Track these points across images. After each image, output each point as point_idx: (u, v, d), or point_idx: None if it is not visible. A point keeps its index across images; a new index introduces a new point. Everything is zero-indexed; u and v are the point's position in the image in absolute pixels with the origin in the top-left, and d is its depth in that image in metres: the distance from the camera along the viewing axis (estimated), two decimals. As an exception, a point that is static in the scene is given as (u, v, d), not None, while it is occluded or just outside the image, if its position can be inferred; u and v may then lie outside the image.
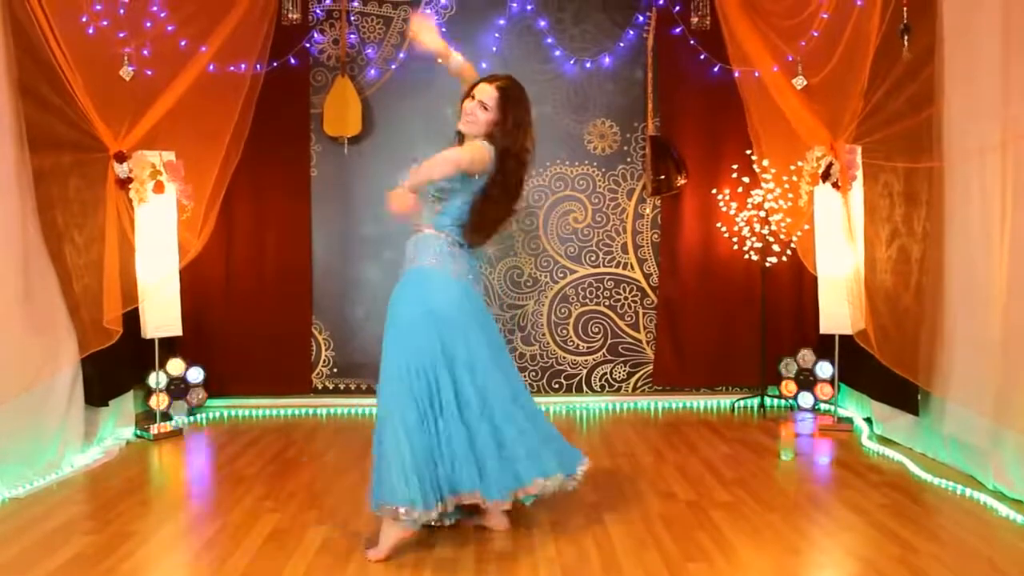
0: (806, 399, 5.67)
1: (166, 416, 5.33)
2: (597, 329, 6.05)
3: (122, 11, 4.76)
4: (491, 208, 3.42)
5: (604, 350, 6.05)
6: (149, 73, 4.95)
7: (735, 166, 5.69)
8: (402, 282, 3.41)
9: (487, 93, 3.35)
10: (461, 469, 3.19)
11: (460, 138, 3.46)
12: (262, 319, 5.82)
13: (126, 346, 4.94)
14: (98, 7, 4.59)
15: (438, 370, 3.23)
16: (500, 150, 3.34)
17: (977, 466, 4.01)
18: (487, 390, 3.29)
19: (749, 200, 5.53)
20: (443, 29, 5.86)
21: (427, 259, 3.34)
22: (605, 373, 6.05)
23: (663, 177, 5.79)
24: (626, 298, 6.04)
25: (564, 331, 6.04)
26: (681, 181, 5.79)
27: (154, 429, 5.06)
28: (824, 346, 5.45)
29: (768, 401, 5.74)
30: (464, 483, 3.19)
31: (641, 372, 6.05)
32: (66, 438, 4.43)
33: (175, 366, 5.52)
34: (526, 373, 5.96)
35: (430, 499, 3.10)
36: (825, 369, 5.56)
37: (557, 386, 6.03)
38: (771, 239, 5.46)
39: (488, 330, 3.44)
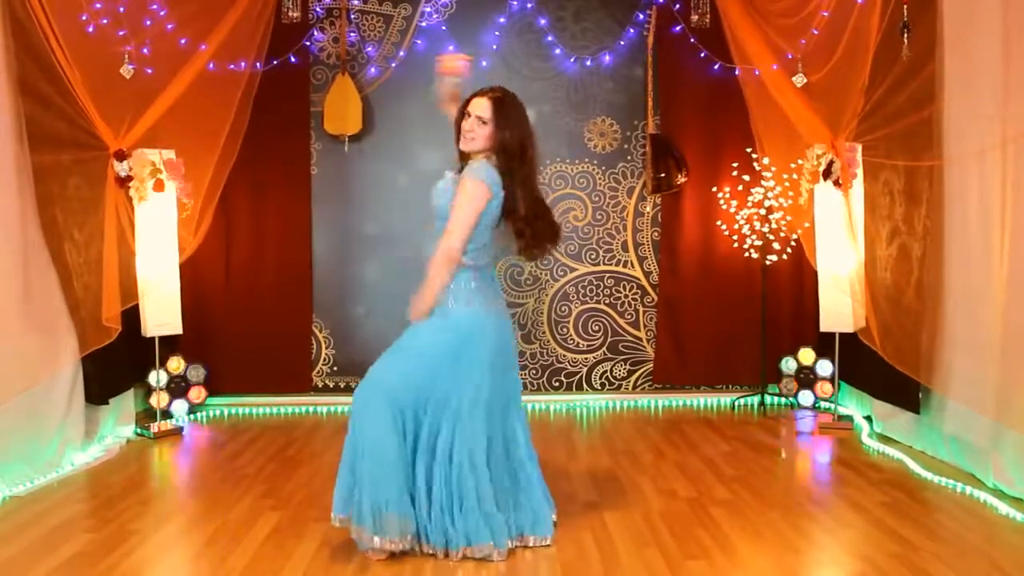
0: (806, 397, 5.67)
1: (166, 414, 5.33)
2: (597, 327, 6.05)
3: (122, 9, 4.76)
4: (523, 218, 3.37)
5: (604, 348, 6.05)
6: (149, 71, 4.95)
7: (735, 164, 5.68)
8: (439, 323, 3.28)
9: (481, 106, 3.33)
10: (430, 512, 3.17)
11: (461, 155, 3.46)
12: (262, 317, 5.82)
13: (126, 344, 4.95)
14: (98, 5, 4.59)
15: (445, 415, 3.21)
16: (505, 159, 3.30)
17: (977, 464, 4.01)
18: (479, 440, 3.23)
19: (749, 198, 5.52)
20: (443, 28, 5.89)
21: (459, 304, 3.27)
22: (605, 371, 6.05)
23: (663, 175, 5.79)
24: (626, 296, 6.04)
25: (564, 329, 6.04)
26: (681, 179, 5.79)
27: (154, 427, 5.06)
28: (824, 344, 5.45)
29: (768, 399, 5.74)
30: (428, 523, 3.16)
31: (641, 370, 6.06)
32: (67, 436, 4.43)
33: (175, 364, 5.52)
34: (527, 371, 5.96)
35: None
36: (825, 367, 5.56)
37: (557, 384, 6.03)
38: (771, 237, 5.46)
39: (507, 377, 3.38)
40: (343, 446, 3.22)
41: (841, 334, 5.10)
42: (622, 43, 5.95)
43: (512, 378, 3.44)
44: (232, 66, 5.38)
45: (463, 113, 3.38)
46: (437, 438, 3.19)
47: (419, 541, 3.16)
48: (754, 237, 5.52)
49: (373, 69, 5.89)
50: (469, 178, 3.27)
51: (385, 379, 3.20)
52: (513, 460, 3.37)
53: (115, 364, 4.89)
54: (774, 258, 5.48)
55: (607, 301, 6.04)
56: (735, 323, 5.90)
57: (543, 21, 5.92)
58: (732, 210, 5.65)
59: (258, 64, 5.51)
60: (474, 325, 3.26)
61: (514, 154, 3.31)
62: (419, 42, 5.89)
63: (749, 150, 5.57)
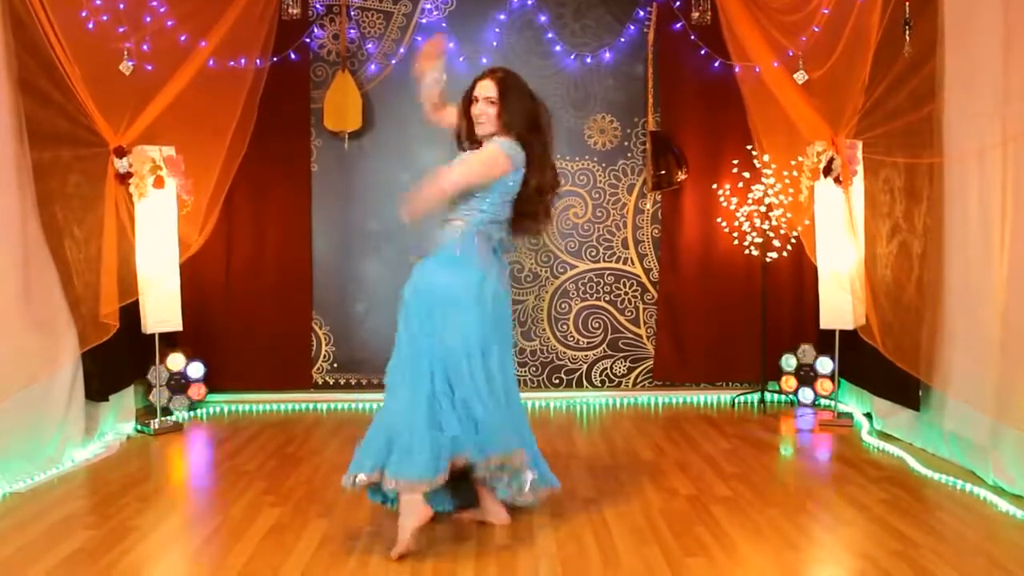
0: (806, 394, 5.66)
1: (166, 411, 5.33)
2: (597, 324, 6.05)
3: (122, 6, 4.75)
4: (533, 196, 3.48)
5: (604, 345, 6.05)
6: (149, 68, 4.95)
7: (735, 161, 5.68)
8: (428, 266, 3.40)
9: (487, 87, 3.38)
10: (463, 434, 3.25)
11: (459, 143, 3.51)
12: (262, 314, 5.82)
13: (126, 341, 4.95)
14: (97, 2, 4.58)
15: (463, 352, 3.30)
16: (519, 135, 3.37)
17: (977, 461, 4.01)
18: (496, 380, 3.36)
19: (749, 195, 5.52)
20: (443, 25, 5.88)
21: (453, 248, 3.35)
22: (605, 368, 6.05)
23: (663, 172, 5.78)
24: (626, 293, 6.04)
25: (564, 326, 6.04)
26: (681, 176, 5.78)
27: (154, 424, 5.06)
28: (824, 341, 5.45)
29: (768, 396, 5.75)
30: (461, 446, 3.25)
31: (641, 367, 6.06)
32: (67, 433, 4.43)
33: (175, 361, 5.52)
34: (526, 368, 5.96)
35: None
36: (825, 364, 5.56)
37: (557, 381, 6.03)
38: (771, 234, 5.46)
39: (502, 327, 3.45)
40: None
41: (841, 331, 5.09)
42: (622, 40, 5.94)
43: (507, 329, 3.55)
44: (232, 63, 5.38)
45: (469, 100, 3.40)
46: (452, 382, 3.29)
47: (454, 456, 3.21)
48: (754, 234, 5.52)
49: (373, 66, 5.89)
50: (492, 144, 3.33)
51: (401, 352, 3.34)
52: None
53: (115, 361, 4.89)
54: (774, 255, 5.48)
55: (607, 298, 6.04)
56: (735, 320, 5.90)
57: (543, 18, 5.91)
58: (732, 207, 5.64)
59: (259, 61, 5.50)
60: (471, 274, 3.34)
61: (527, 128, 3.36)
62: (419, 39, 5.86)
63: (749, 147, 5.57)
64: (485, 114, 3.37)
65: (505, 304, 3.50)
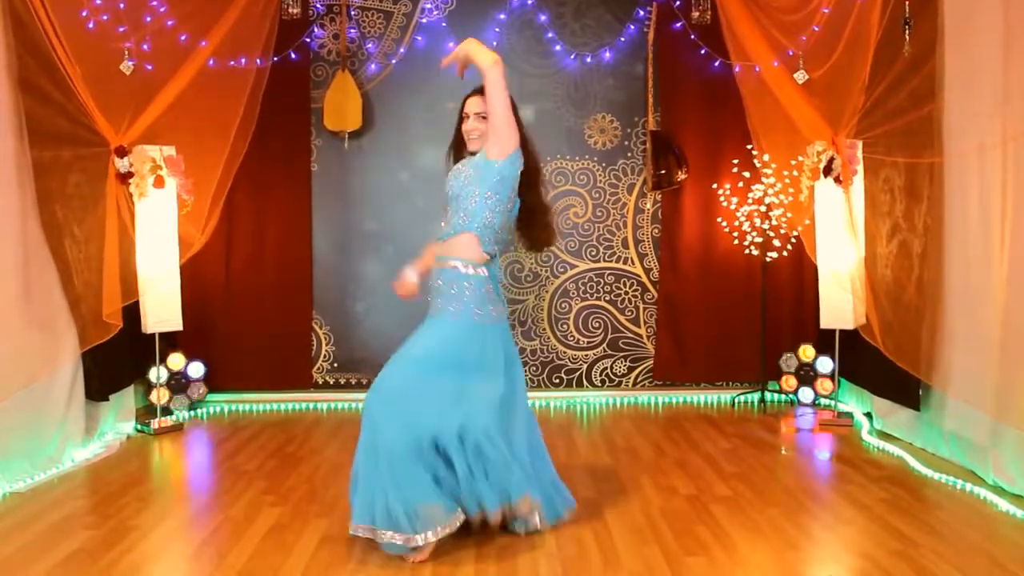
0: (806, 394, 5.67)
1: (167, 411, 5.33)
2: (597, 324, 6.05)
3: (122, 6, 4.76)
4: (535, 201, 3.50)
5: (604, 345, 6.05)
6: (149, 68, 4.95)
7: (736, 161, 5.68)
8: (447, 323, 3.32)
9: (478, 104, 3.39)
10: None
11: (455, 155, 3.56)
12: (262, 314, 5.82)
13: (127, 341, 4.95)
14: (98, 1, 4.58)
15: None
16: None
17: (977, 461, 4.01)
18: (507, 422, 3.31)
19: (750, 195, 5.52)
20: (443, 24, 5.88)
21: (469, 307, 3.30)
22: (605, 368, 6.05)
23: (664, 172, 5.78)
24: (626, 293, 6.04)
25: (564, 326, 6.04)
26: (682, 176, 5.79)
27: (154, 424, 5.07)
28: (824, 341, 5.45)
29: (768, 396, 5.75)
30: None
31: (641, 367, 6.06)
32: (67, 433, 4.43)
33: (176, 361, 5.52)
34: (526, 368, 5.96)
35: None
36: (825, 364, 5.56)
37: (557, 381, 6.03)
38: (771, 234, 5.46)
39: (512, 377, 3.42)
40: (355, 453, 3.20)
41: (841, 331, 5.10)
42: (622, 40, 5.94)
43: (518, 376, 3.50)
44: (233, 63, 5.38)
45: (461, 117, 3.43)
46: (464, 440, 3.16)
47: (465, 514, 3.17)
48: (754, 234, 5.52)
49: (373, 66, 5.89)
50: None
51: (389, 381, 3.21)
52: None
53: (115, 360, 4.89)
54: (774, 255, 5.48)
55: (607, 298, 6.04)
56: (735, 320, 5.91)
57: (543, 18, 5.91)
58: (732, 207, 5.65)
59: (259, 61, 5.50)
60: (476, 334, 3.30)
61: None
62: (419, 39, 5.89)
63: (749, 147, 5.56)
64: (477, 129, 3.38)
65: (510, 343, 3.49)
